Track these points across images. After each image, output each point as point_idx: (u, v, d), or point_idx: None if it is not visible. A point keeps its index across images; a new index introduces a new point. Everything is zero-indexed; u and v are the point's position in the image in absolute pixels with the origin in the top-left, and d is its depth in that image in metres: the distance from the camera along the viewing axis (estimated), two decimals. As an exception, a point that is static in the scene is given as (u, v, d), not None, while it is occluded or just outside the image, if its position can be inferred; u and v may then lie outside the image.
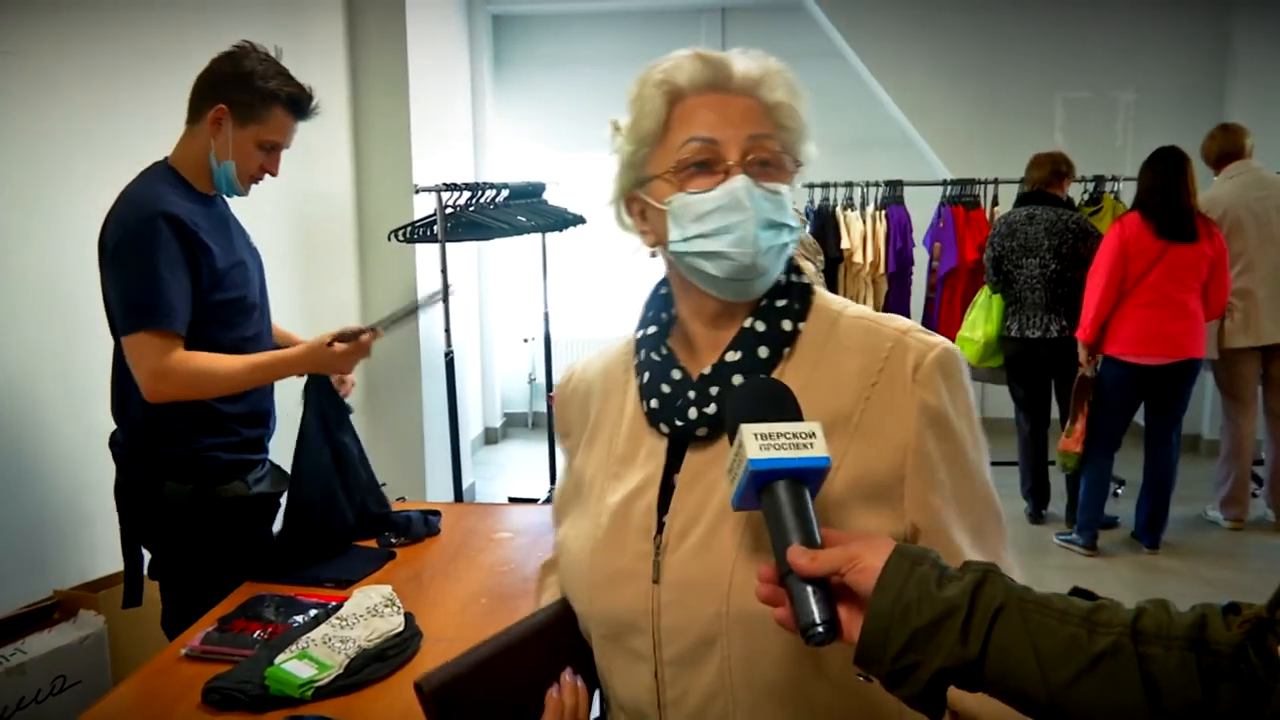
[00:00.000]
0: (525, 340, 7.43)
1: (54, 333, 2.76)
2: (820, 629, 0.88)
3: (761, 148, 1.12)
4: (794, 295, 1.18)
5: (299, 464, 2.38)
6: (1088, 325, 4.54)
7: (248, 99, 2.27)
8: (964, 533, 1.08)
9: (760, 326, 1.14)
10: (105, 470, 2.36)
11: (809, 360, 1.13)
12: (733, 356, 1.13)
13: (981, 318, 5.13)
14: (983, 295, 5.18)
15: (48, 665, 2.33)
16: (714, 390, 1.12)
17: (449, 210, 4.20)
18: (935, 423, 1.08)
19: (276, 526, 2.45)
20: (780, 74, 1.15)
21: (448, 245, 4.19)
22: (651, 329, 1.23)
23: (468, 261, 6.61)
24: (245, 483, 2.34)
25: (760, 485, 0.95)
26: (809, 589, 0.90)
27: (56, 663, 2.35)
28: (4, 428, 2.64)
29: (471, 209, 4.35)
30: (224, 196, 2.42)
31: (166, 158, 2.34)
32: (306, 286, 4.32)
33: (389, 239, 4.39)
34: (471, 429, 6.68)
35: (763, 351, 1.13)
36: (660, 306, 1.25)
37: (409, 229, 4.34)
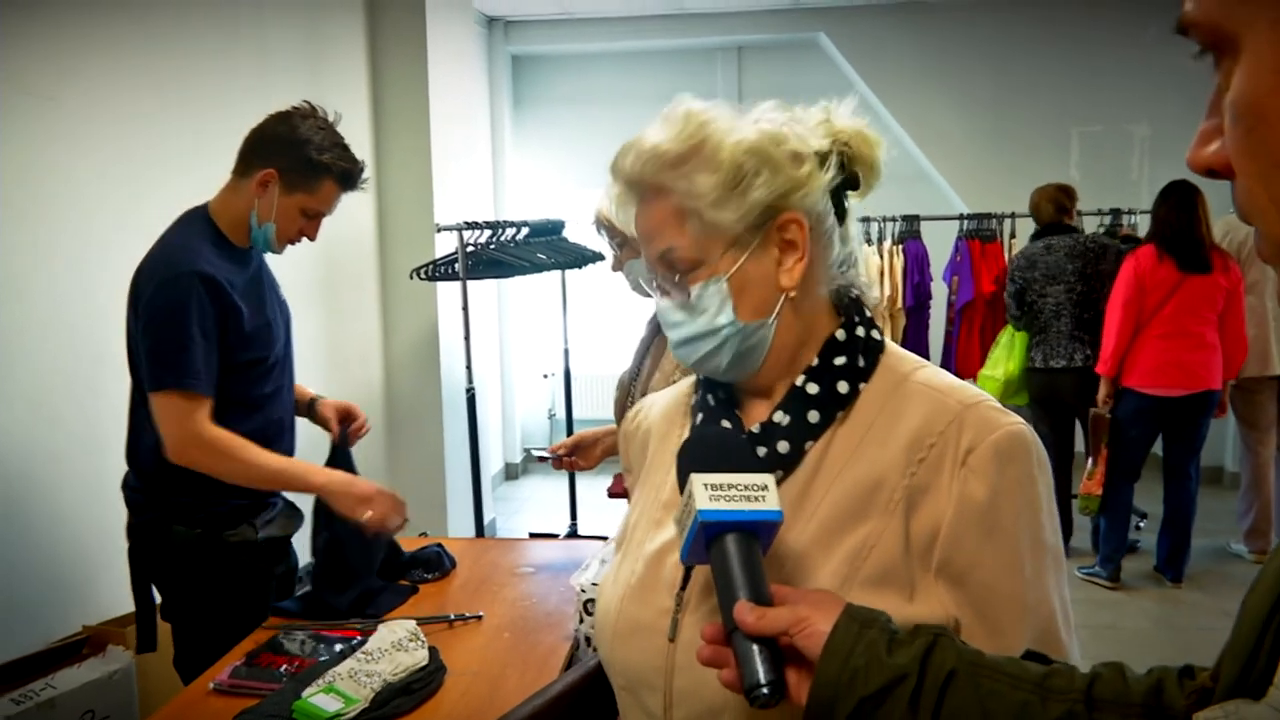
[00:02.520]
0: (545, 376, 7.46)
1: (81, 368, 2.81)
2: (764, 690, 0.85)
3: (668, 262, 1.09)
4: (857, 352, 1.10)
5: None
6: (1107, 359, 4.54)
7: (299, 167, 2.25)
8: (1006, 647, 0.95)
9: (813, 389, 1.08)
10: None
11: (863, 423, 1.06)
12: (780, 418, 1.08)
13: (1004, 356, 5.14)
14: (1005, 334, 5.21)
15: (77, 700, 2.36)
16: (761, 451, 1.06)
17: (470, 248, 4.25)
18: (980, 519, 0.99)
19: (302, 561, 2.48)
20: (660, 158, 1.06)
21: (469, 283, 4.25)
22: None
23: (488, 298, 6.66)
24: (253, 526, 2.31)
25: (710, 537, 0.92)
26: (755, 648, 0.86)
27: (86, 698, 2.37)
28: (35, 463, 2.68)
29: (492, 247, 4.40)
30: (260, 253, 2.41)
31: (206, 204, 2.31)
32: (329, 322, 4.37)
33: (411, 277, 4.44)
34: (492, 464, 6.71)
35: (813, 416, 1.07)
36: None
37: (430, 267, 4.39)
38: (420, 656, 1.91)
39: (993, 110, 6.81)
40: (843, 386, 1.08)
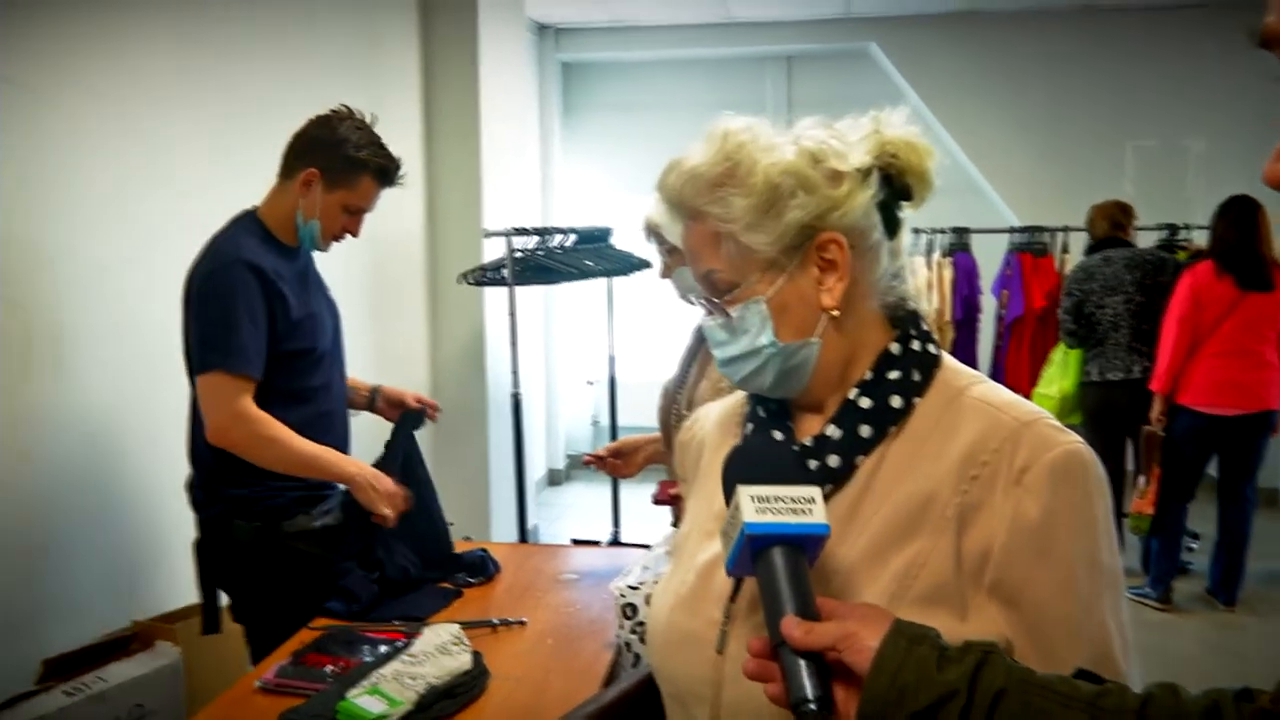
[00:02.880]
0: (590, 383, 7.48)
1: (138, 365, 2.85)
2: (812, 705, 0.84)
3: (710, 283, 1.10)
4: (912, 366, 1.09)
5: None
6: (1162, 375, 4.47)
7: (338, 165, 2.36)
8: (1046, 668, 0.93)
9: (865, 402, 1.07)
10: (184, 503, 2.44)
11: (917, 438, 1.06)
12: (833, 432, 1.07)
13: (1057, 374, 5.08)
14: (1058, 352, 5.15)
15: (127, 694, 2.39)
16: (813, 465, 1.06)
17: (518, 254, 4.27)
18: (1034, 540, 0.98)
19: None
20: (696, 181, 1.07)
21: (517, 288, 4.27)
22: None
23: (535, 304, 6.69)
24: (310, 515, 2.39)
25: (756, 550, 0.92)
26: (802, 662, 0.86)
27: (135, 692, 2.41)
28: (89, 459, 2.73)
29: (540, 253, 4.42)
30: (307, 251, 2.51)
31: (255, 207, 2.44)
32: (377, 326, 4.41)
33: (458, 282, 4.47)
34: (535, 470, 6.73)
35: (865, 430, 1.06)
36: None
37: (478, 272, 4.42)
38: (464, 660, 1.91)
39: (1046, 122, 6.74)
40: (896, 401, 1.07)
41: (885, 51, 6.85)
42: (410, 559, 2.47)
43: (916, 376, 1.08)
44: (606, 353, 5.47)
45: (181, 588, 2.74)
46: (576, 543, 5.50)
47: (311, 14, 3.90)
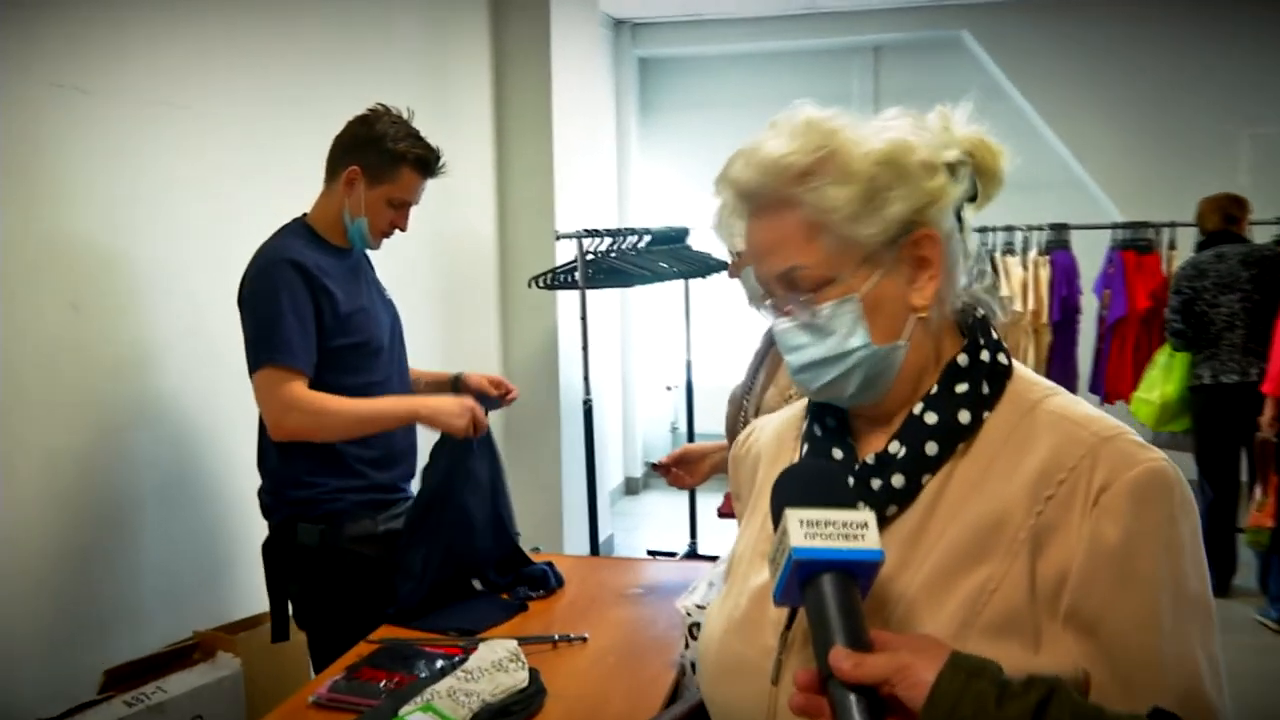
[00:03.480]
0: (668, 388, 7.46)
1: (203, 371, 2.91)
2: None
3: (791, 281, 1.04)
4: (981, 378, 1.05)
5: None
6: (1274, 377, 4.29)
7: (378, 160, 2.45)
8: (1142, 706, 0.90)
9: (931, 418, 1.04)
10: (246, 513, 2.49)
11: (986, 455, 1.02)
12: (897, 449, 1.04)
13: (1160, 378, 4.92)
14: (1163, 355, 5.00)
15: (187, 705, 2.45)
16: (875, 484, 1.03)
17: (590, 256, 4.27)
18: (1113, 564, 0.94)
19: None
20: (796, 157, 1.02)
21: (590, 292, 4.27)
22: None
23: (611, 307, 6.70)
24: (374, 520, 2.45)
25: (805, 578, 0.89)
26: (852, 697, 0.83)
27: (195, 703, 2.46)
28: (154, 468, 2.79)
29: (613, 255, 4.42)
30: (359, 251, 2.58)
31: (304, 214, 2.53)
32: (447, 328, 4.45)
33: (529, 285, 4.49)
34: (611, 479, 6.73)
35: (931, 448, 1.03)
36: None
37: (549, 275, 4.43)
38: (520, 678, 1.90)
39: (1153, 111, 6.52)
40: (964, 416, 1.04)
41: (978, 39, 6.71)
42: (469, 557, 2.47)
43: (986, 389, 1.05)
44: (684, 357, 5.44)
45: (244, 598, 2.79)
46: (652, 554, 5.50)
47: (379, 16, 3.95)
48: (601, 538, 4.89)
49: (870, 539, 0.90)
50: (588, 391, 4.26)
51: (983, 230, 5.68)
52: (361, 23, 3.82)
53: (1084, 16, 6.56)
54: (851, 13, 6.86)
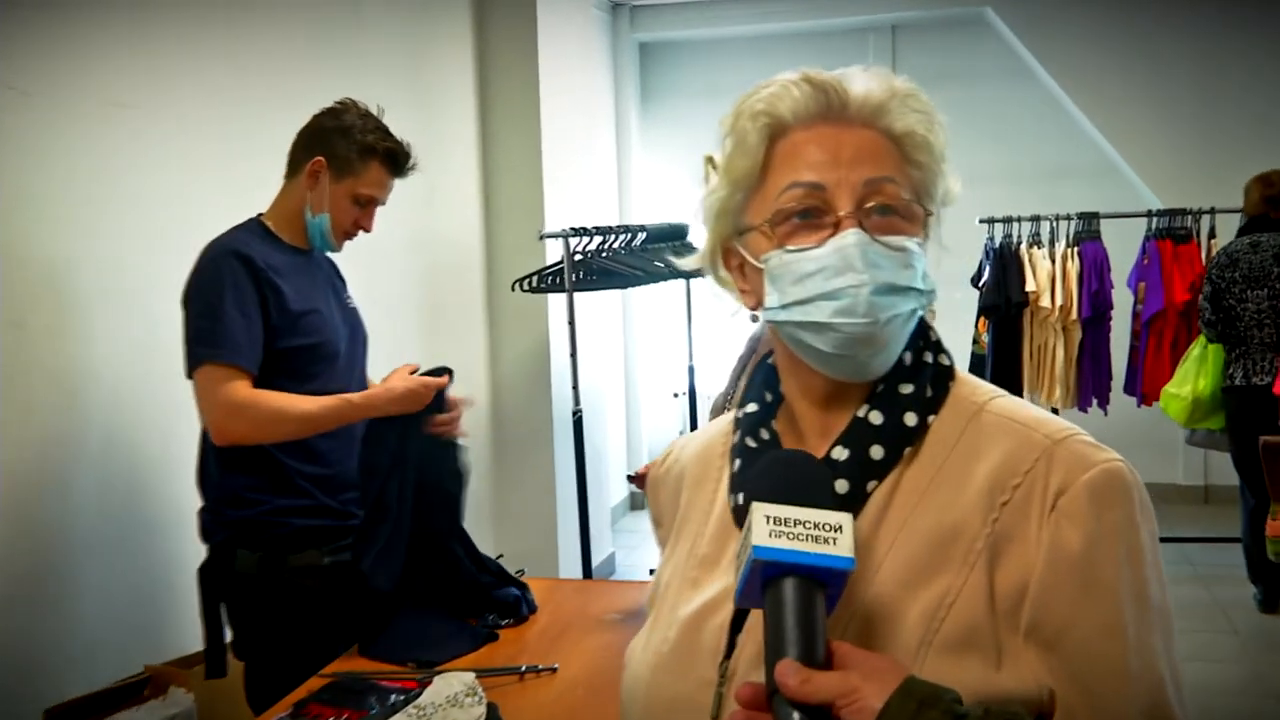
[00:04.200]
0: (675, 395, 7.43)
1: (154, 391, 2.91)
2: None
3: (882, 193, 1.01)
4: (925, 379, 1.06)
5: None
6: None
7: (346, 152, 2.44)
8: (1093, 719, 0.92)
9: (876, 418, 1.03)
10: (199, 543, 2.49)
11: (933, 462, 1.02)
12: (840, 454, 1.03)
13: (1193, 371, 4.89)
14: (1197, 347, 4.97)
15: (134, 744, 2.44)
16: None
17: (578, 257, 4.26)
18: (1076, 573, 0.94)
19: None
20: (911, 96, 1.05)
21: (583, 294, 4.26)
22: (753, 407, 1.14)
23: (611, 310, 6.69)
24: (320, 552, 2.42)
25: (767, 579, 0.87)
26: (796, 716, 0.81)
27: (143, 742, 2.46)
28: (102, 492, 2.80)
29: (604, 255, 4.40)
30: (319, 252, 2.57)
31: (260, 214, 2.52)
32: (431, 339, 4.45)
33: (513, 288, 4.49)
34: (614, 493, 6.71)
35: (876, 451, 1.02)
36: (767, 380, 1.15)
37: (535, 278, 4.43)
38: (477, 714, 1.89)
39: (1193, 91, 6.46)
40: (910, 418, 1.03)
41: (1003, 17, 6.65)
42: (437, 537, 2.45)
43: (930, 392, 1.05)
44: (686, 362, 5.43)
45: (199, 631, 2.78)
46: (655, 573, 5.48)
47: (350, 1, 3.96)
48: (601, 557, 4.90)
49: (843, 545, 0.87)
50: (577, 402, 4.25)
51: (1008, 221, 5.67)
52: (330, 7, 3.83)
53: (1118, -8, 6.52)
54: (867, -11, 6.85)
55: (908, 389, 1.05)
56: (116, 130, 2.86)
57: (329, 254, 2.65)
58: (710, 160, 1.13)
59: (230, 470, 2.39)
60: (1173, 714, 0.94)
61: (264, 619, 2.41)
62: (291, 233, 2.49)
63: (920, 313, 1.05)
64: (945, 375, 1.07)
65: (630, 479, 2.61)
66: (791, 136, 1.05)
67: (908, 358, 1.06)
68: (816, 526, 0.88)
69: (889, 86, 1.05)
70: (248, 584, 2.39)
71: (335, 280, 2.66)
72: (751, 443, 1.11)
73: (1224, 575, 5.24)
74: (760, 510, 0.88)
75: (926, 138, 1.05)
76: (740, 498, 1.08)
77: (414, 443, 2.41)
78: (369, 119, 2.49)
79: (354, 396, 2.41)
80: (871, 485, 1.02)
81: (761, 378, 1.16)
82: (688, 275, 4.87)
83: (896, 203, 1.02)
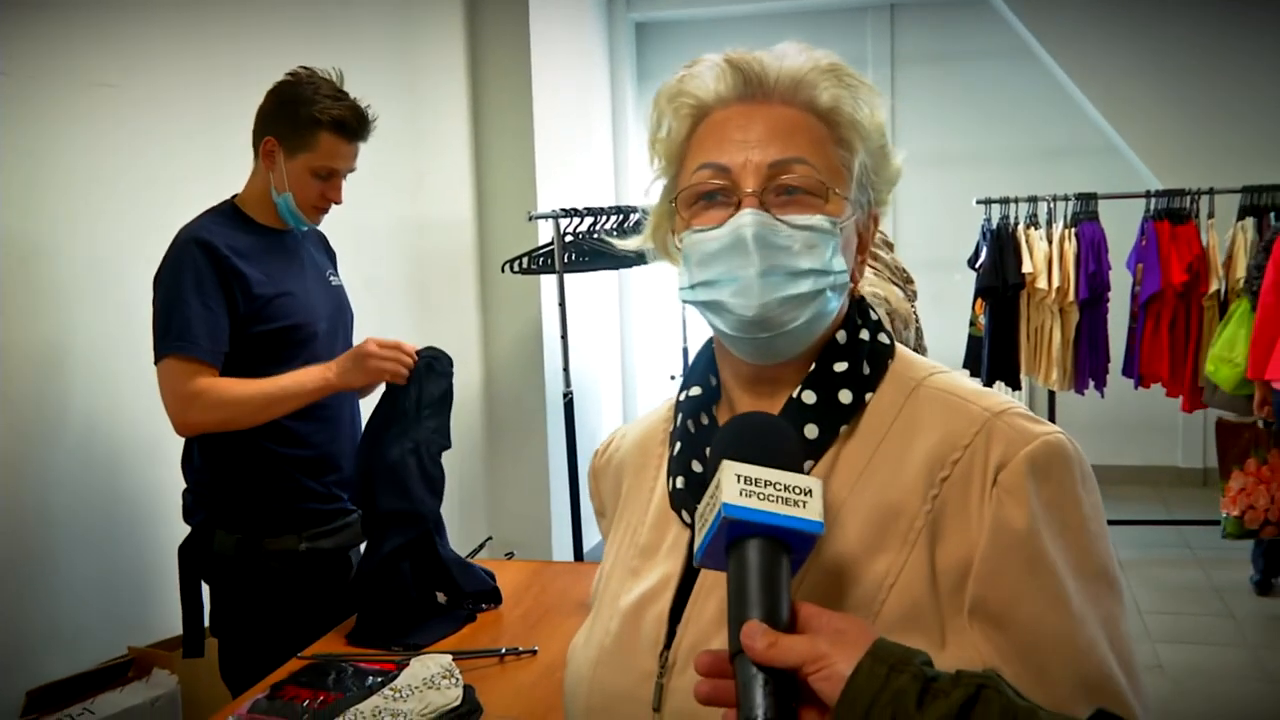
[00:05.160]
0: (672, 377, 7.43)
1: (135, 374, 2.90)
2: None
3: (790, 172, 1.00)
4: (861, 357, 1.05)
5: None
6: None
7: (292, 129, 2.41)
8: (1058, 697, 0.91)
9: (810, 398, 1.03)
10: (181, 526, 2.49)
11: (871, 440, 1.02)
12: None
13: (1242, 335, 4.67)
14: (1240, 307, 4.78)
15: (116, 727, 2.45)
16: None
17: (569, 238, 4.25)
18: (1020, 548, 0.93)
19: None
20: (834, 71, 1.03)
21: (579, 276, 4.25)
22: (696, 390, 1.13)
23: (608, 292, 6.68)
24: (298, 536, 2.41)
25: (732, 539, 0.86)
26: (759, 677, 0.80)
27: (125, 724, 2.47)
28: (87, 474, 2.80)
29: (594, 236, 4.39)
30: (299, 229, 2.55)
31: (235, 195, 2.51)
32: (422, 321, 4.45)
33: (503, 270, 4.48)
34: (610, 476, 6.70)
35: (811, 431, 1.02)
36: (708, 365, 1.14)
37: (526, 259, 4.42)
38: (453, 696, 1.90)
39: (1193, 71, 6.39)
40: (845, 396, 1.03)
41: (1002, -5, 6.64)
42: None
43: (867, 370, 1.05)
44: (680, 344, 5.43)
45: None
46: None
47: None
48: (594, 541, 4.88)
49: (813, 509, 0.86)
50: (568, 384, 4.25)
51: (1005, 202, 5.64)
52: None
53: (1118, -31, 6.48)
54: (865, -32, 6.81)
55: (841, 366, 1.05)
56: (97, 111, 2.86)
57: (318, 229, 2.65)
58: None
59: (211, 453, 2.40)
60: (1114, 680, 0.93)
61: (240, 599, 2.43)
62: (264, 213, 2.47)
63: (832, 293, 1.02)
64: (884, 353, 1.07)
65: None
66: (711, 117, 1.05)
67: (842, 336, 1.06)
68: (787, 489, 0.87)
69: (811, 60, 1.03)
70: (225, 564, 2.41)
71: (320, 258, 2.64)
72: (692, 427, 1.10)
73: (1222, 559, 5.24)
74: (731, 469, 0.86)
75: (853, 116, 1.03)
76: (679, 481, 1.07)
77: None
78: (318, 87, 2.42)
79: (311, 368, 2.38)
80: (809, 465, 1.01)
81: (705, 361, 1.15)
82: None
83: (805, 183, 1.00)
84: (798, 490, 0.87)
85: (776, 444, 0.92)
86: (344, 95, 2.44)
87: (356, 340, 2.68)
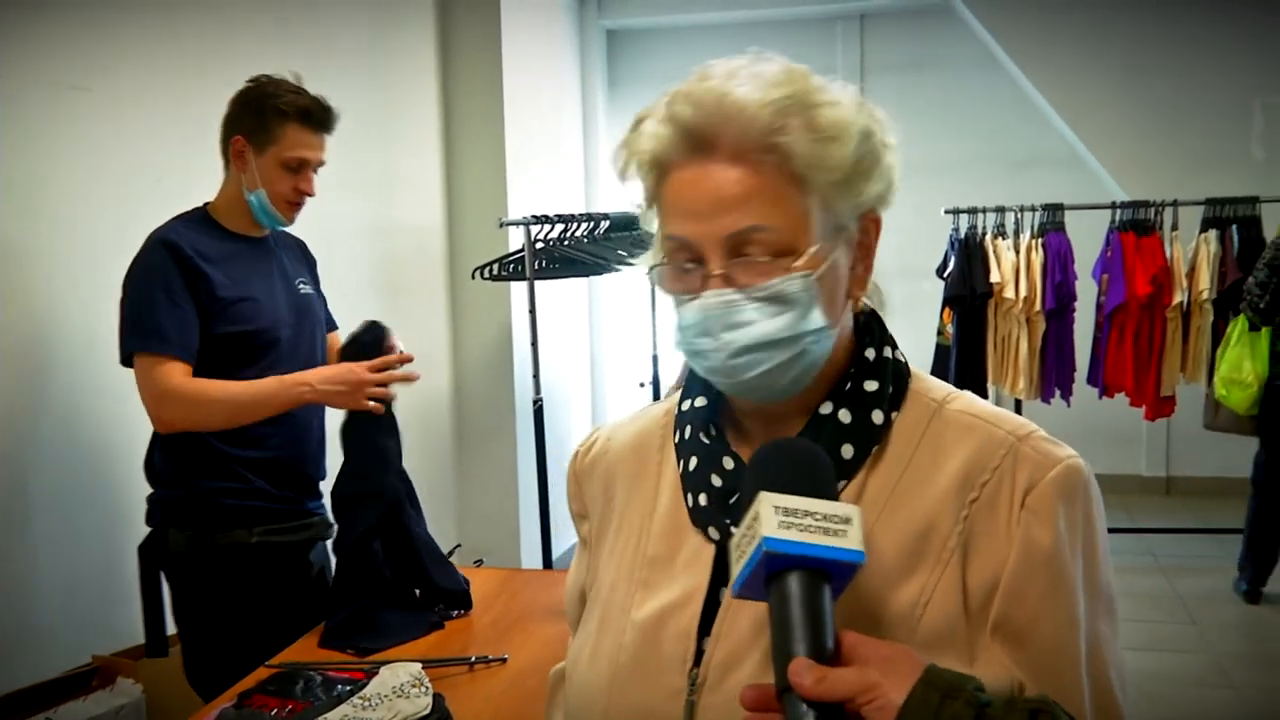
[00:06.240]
0: (641, 385, 7.44)
1: (106, 374, 2.88)
2: None
3: (751, 242, 0.95)
4: (888, 376, 1.05)
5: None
6: None
7: (259, 123, 2.46)
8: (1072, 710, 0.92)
9: (845, 417, 1.02)
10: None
11: (899, 460, 1.02)
12: None
13: (1246, 354, 4.67)
14: (1238, 328, 4.77)
15: (78, 736, 2.43)
16: None
17: (540, 245, 4.26)
18: (1046, 568, 0.96)
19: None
20: (786, 101, 0.95)
21: (547, 283, 4.26)
22: (700, 401, 1.11)
23: (577, 299, 6.68)
24: (249, 531, 2.44)
25: (772, 572, 0.85)
26: (810, 715, 0.79)
27: (88, 734, 2.45)
28: (52, 481, 2.77)
29: (565, 243, 4.40)
30: (275, 237, 2.58)
31: (208, 202, 2.53)
32: (391, 326, 4.40)
33: (473, 276, 4.48)
34: (579, 483, 6.70)
35: (847, 451, 1.01)
36: None
37: (496, 266, 4.42)
38: (423, 704, 1.89)
39: (1160, 83, 6.48)
40: (878, 416, 1.03)
41: (970, 7, 6.66)
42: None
43: (893, 389, 1.05)
44: (650, 352, 5.44)
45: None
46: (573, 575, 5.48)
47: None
48: (563, 548, 4.88)
49: (852, 538, 0.86)
50: (538, 390, 4.24)
51: (972, 211, 5.69)
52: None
53: (1085, -19, 6.55)
54: (835, -22, 6.85)
55: (873, 385, 1.04)
56: (70, 113, 2.84)
57: (296, 238, 2.68)
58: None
59: (170, 455, 2.43)
60: (1114, 699, 0.97)
61: (197, 596, 2.45)
62: (236, 220, 2.50)
63: (814, 345, 0.99)
64: (904, 372, 1.08)
65: None
66: (672, 175, 1.00)
67: (870, 353, 1.05)
68: (826, 518, 0.86)
69: (760, 92, 0.95)
70: (179, 561, 2.43)
71: (294, 266, 2.65)
72: (704, 439, 1.09)
73: (1185, 566, 5.31)
74: (768, 500, 0.85)
75: (810, 150, 0.95)
76: (702, 498, 1.06)
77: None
78: (280, 84, 2.49)
79: (286, 377, 2.42)
80: (841, 485, 1.01)
81: None
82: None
83: (768, 249, 0.96)
84: (836, 519, 0.86)
85: (811, 471, 0.91)
86: (304, 90, 2.51)
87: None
